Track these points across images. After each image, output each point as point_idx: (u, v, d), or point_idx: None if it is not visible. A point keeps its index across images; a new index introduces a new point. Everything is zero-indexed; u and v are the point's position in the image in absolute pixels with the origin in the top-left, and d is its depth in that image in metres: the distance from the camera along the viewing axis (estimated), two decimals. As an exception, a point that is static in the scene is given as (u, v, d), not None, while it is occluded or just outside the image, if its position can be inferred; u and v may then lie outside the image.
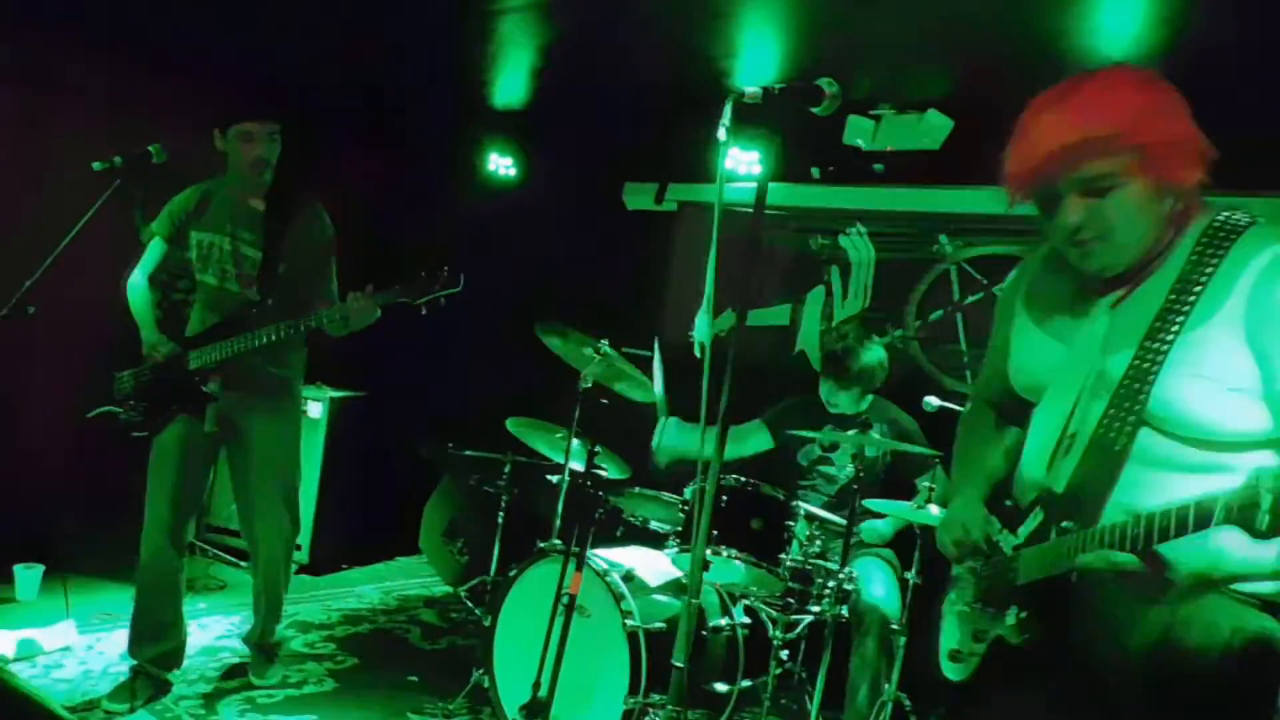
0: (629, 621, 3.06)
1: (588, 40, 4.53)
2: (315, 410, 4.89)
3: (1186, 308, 1.45)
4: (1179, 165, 1.44)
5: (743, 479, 3.26)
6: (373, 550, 5.37)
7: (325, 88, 5.17)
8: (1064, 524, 1.51)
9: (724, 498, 3.21)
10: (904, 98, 4.43)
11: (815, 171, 4.65)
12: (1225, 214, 1.52)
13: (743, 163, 4.87)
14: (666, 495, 3.62)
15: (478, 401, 4.76)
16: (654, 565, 3.42)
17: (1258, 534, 1.16)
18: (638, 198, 5.38)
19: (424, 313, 3.07)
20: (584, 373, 3.59)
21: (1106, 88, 1.45)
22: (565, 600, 2.97)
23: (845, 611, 3.27)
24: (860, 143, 4.50)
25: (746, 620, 3.50)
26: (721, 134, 1.62)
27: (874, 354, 3.74)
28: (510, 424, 4.04)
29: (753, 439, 4.03)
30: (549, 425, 3.96)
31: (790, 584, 3.21)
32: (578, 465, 3.84)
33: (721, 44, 4.49)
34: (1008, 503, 1.71)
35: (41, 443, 4.37)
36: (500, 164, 5.62)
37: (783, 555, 3.17)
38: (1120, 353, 1.51)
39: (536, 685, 3.02)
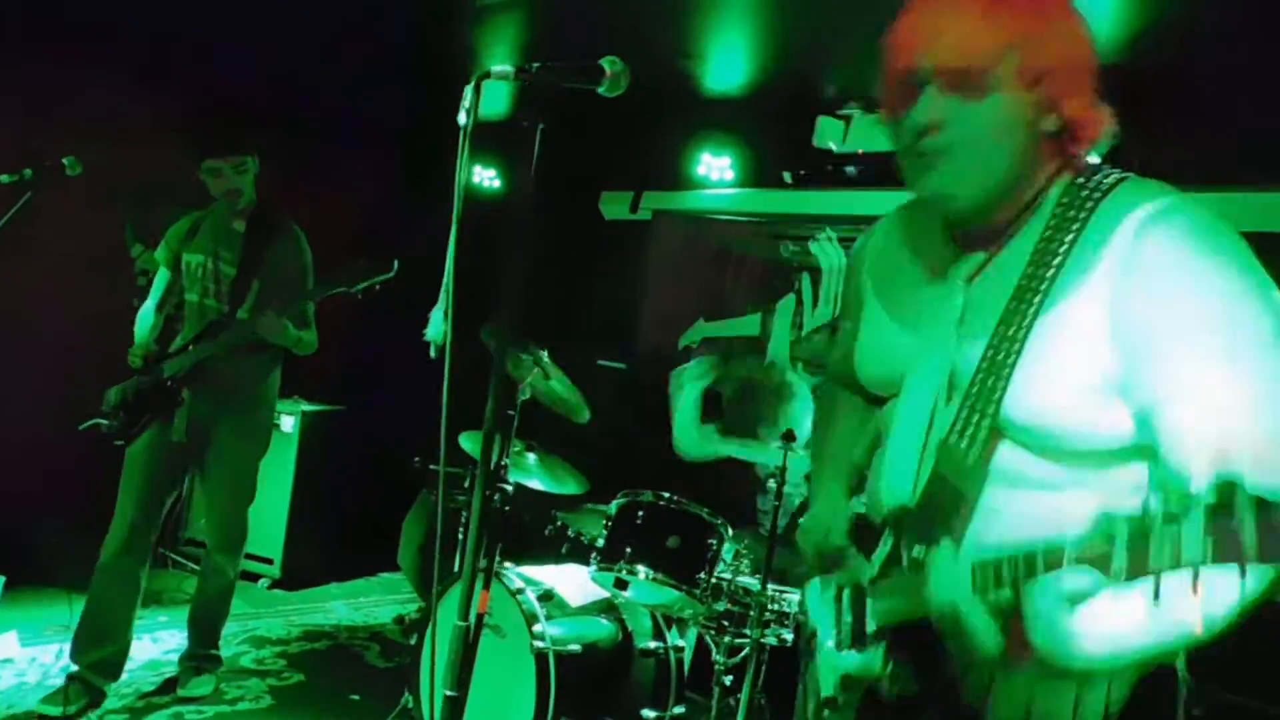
0: (538, 643, 2.93)
1: (563, 46, 4.48)
2: (287, 424, 4.89)
3: (1044, 283, 1.19)
4: (1069, 89, 1.19)
5: (665, 495, 3.13)
6: (353, 565, 5.33)
7: (317, 97, 5.22)
8: (914, 551, 1.25)
9: (640, 513, 3.09)
10: (874, 97, 4.25)
11: (787, 176, 4.50)
12: (1091, 169, 1.26)
13: (715, 168, 4.75)
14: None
15: (454, 414, 4.70)
16: (579, 584, 3.29)
17: (1113, 573, 0.92)
18: (614, 207, 5.28)
19: (360, 298, 3.19)
20: (522, 384, 3.50)
21: None
22: (473, 620, 2.88)
23: (787, 635, 3.09)
24: (832, 145, 4.34)
25: (680, 643, 3.35)
26: (461, 118, 1.49)
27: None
28: (463, 439, 3.97)
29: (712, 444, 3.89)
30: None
31: (730, 606, 3.07)
32: (528, 480, 3.75)
33: (688, 46, 4.40)
34: (859, 506, 1.51)
35: (13, 456, 4.43)
36: (484, 176, 5.58)
37: (701, 575, 3.02)
38: (974, 340, 1.25)
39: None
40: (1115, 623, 1.05)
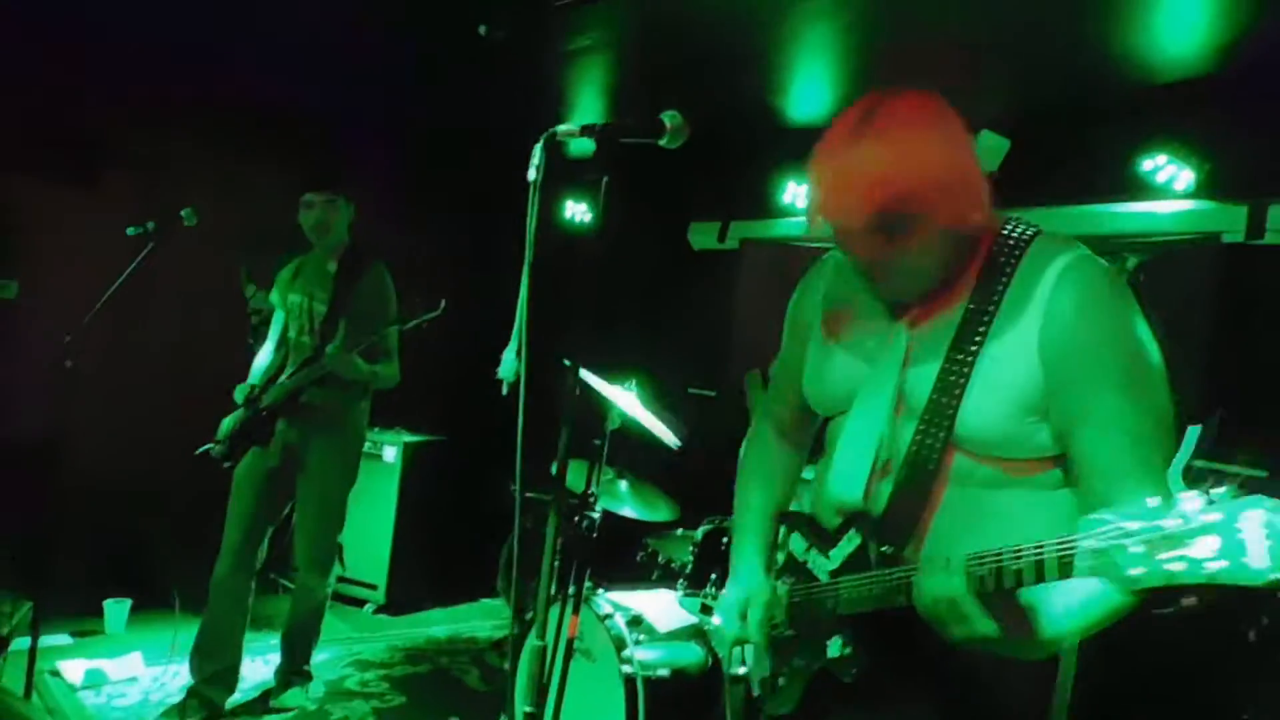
0: (626, 668, 2.99)
1: (651, 82, 4.59)
2: (390, 455, 5.08)
3: (987, 318, 1.43)
4: (969, 210, 1.40)
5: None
6: (456, 591, 5.48)
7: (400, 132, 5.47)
8: (883, 548, 1.45)
9: (725, 539, 3.12)
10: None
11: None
12: (1010, 226, 1.49)
13: (801, 196, 4.77)
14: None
15: (550, 442, 4.81)
16: (668, 609, 3.33)
17: (1127, 582, 1.08)
18: (702, 237, 5.35)
19: (413, 332, 3.51)
20: (611, 414, 3.57)
21: (907, 127, 1.37)
22: (562, 645, 2.95)
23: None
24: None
25: (770, 670, 3.35)
26: (531, 174, 1.56)
27: None
28: (555, 465, 4.05)
29: None
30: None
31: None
32: (620, 507, 3.82)
33: (774, 80, 4.45)
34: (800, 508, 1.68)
35: (140, 486, 4.72)
36: (576, 210, 5.73)
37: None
38: (924, 368, 1.47)
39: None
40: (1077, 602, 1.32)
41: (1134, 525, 1.07)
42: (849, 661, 1.48)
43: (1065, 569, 1.15)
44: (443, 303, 3.37)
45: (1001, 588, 1.23)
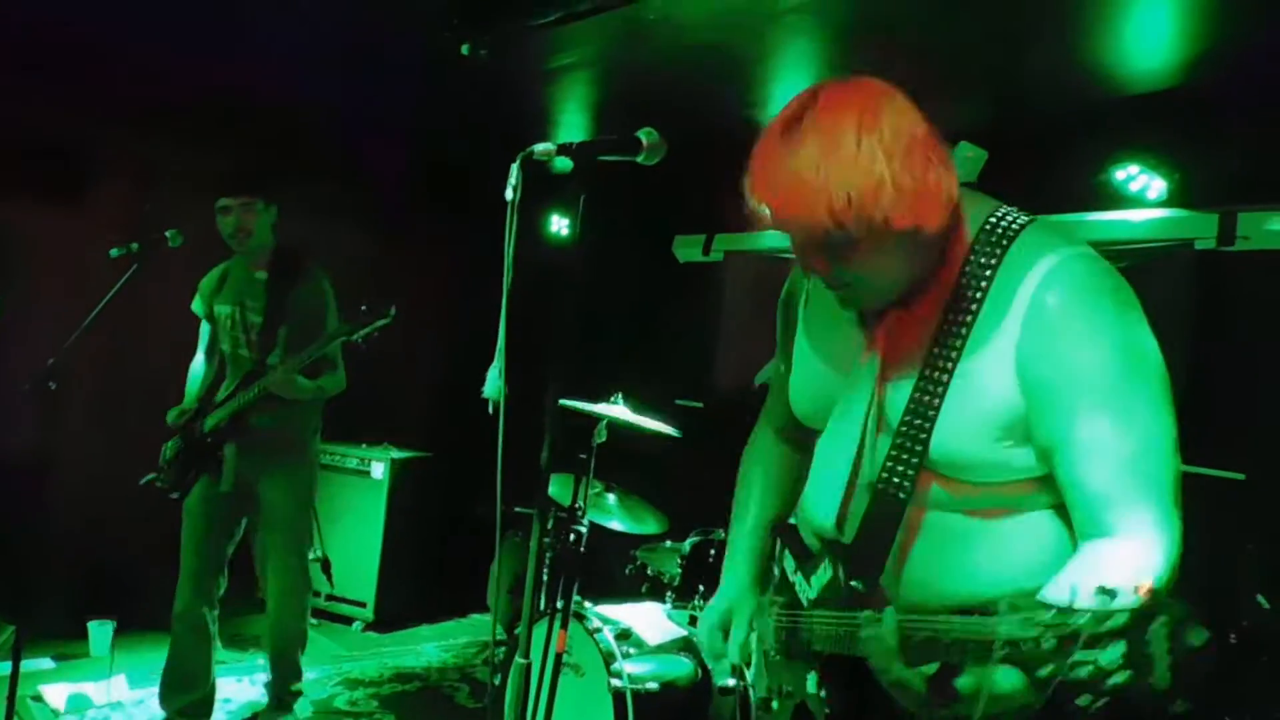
0: (614, 682, 3.00)
1: (633, 98, 4.62)
2: (377, 471, 5.08)
3: (964, 329, 1.29)
4: (922, 215, 1.22)
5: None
6: (445, 608, 5.47)
7: (386, 148, 5.49)
8: (853, 583, 1.35)
9: (712, 551, 3.14)
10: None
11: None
12: (1000, 212, 1.33)
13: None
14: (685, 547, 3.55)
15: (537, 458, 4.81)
16: (658, 622, 3.34)
17: (1038, 682, 0.96)
18: (687, 250, 5.38)
19: (364, 346, 3.30)
20: (598, 427, 3.59)
21: (839, 127, 1.20)
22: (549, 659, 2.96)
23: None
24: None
25: (759, 680, 3.36)
26: (508, 194, 1.56)
27: None
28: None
29: None
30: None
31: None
32: (608, 520, 3.84)
33: (754, 95, 4.50)
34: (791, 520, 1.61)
35: (124, 506, 4.70)
36: (561, 225, 5.75)
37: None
38: (899, 384, 1.35)
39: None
40: None
41: (1048, 615, 0.95)
42: (823, 702, 1.42)
43: (983, 653, 1.03)
44: (392, 309, 3.23)
45: (928, 660, 1.14)
